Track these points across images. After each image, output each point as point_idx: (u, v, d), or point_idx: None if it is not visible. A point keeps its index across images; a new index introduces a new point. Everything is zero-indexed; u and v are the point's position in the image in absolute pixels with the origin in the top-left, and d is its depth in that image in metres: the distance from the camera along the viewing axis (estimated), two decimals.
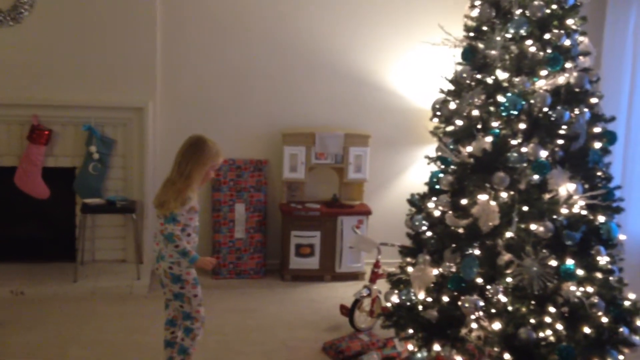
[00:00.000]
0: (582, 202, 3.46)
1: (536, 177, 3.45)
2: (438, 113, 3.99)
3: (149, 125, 5.43)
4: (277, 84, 5.70)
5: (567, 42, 3.59)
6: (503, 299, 3.42)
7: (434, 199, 3.82)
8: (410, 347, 3.79)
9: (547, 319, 3.35)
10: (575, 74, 3.55)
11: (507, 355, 3.36)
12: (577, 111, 3.52)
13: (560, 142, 3.53)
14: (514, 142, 3.56)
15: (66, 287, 5.02)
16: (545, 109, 3.52)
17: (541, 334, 3.35)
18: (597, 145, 3.58)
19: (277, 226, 5.70)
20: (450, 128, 3.87)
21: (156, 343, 3.99)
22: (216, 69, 5.62)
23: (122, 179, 5.54)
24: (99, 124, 5.40)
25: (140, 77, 5.41)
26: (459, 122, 3.78)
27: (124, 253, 5.57)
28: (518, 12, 3.62)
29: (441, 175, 3.79)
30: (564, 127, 3.51)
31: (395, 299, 3.87)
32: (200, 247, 3.80)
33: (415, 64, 5.77)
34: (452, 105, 3.88)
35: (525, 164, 3.48)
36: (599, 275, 3.43)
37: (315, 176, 5.74)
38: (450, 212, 3.66)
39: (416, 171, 5.80)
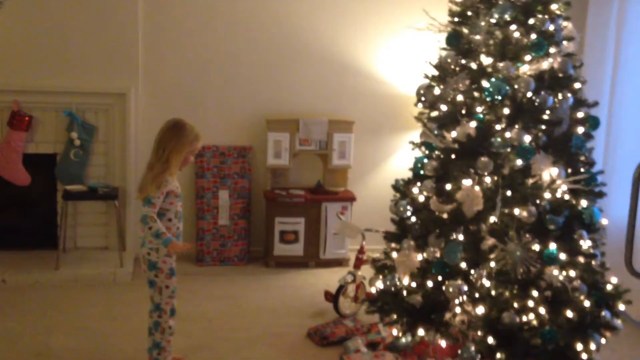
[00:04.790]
0: (565, 187, 3.48)
1: (520, 162, 3.46)
2: (422, 98, 3.99)
3: (131, 112, 5.38)
4: (260, 70, 5.67)
5: (551, 27, 3.60)
6: (487, 283, 3.44)
7: (419, 184, 3.83)
8: (394, 332, 3.80)
9: (530, 303, 3.38)
10: (559, 59, 3.56)
11: (490, 339, 3.39)
12: (560, 96, 3.54)
13: (544, 127, 3.55)
14: (498, 127, 3.57)
15: (48, 275, 4.98)
16: (529, 94, 3.53)
17: (524, 318, 3.37)
18: (580, 130, 3.60)
19: (261, 213, 5.68)
20: (434, 113, 3.88)
21: (140, 330, 3.97)
22: (199, 55, 5.57)
23: (103, 165, 5.49)
24: (80, 110, 5.34)
25: (122, 62, 5.36)
26: (444, 108, 3.78)
27: (107, 240, 5.54)
28: None
29: (425, 160, 3.80)
30: (548, 112, 3.52)
31: (379, 284, 3.88)
32: (184, 234, 3.77)
33: (400, 50, 5.76)
34: (437, 91, 3.88)
35: (509, 149, 3.49)
36: (581, 259, 3.45)
37: (300, 162, 5.73)
38: (435, 197, 3.66)
39: (400, 157, 5.80)
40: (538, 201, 3.43)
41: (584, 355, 3.42)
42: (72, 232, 5.46)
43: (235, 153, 5.58)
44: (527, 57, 3.58)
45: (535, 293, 3.38)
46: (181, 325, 3.81)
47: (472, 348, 3.39)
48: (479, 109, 3.64)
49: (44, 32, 5.20)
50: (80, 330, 4.18)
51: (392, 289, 3.79)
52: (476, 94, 3.67)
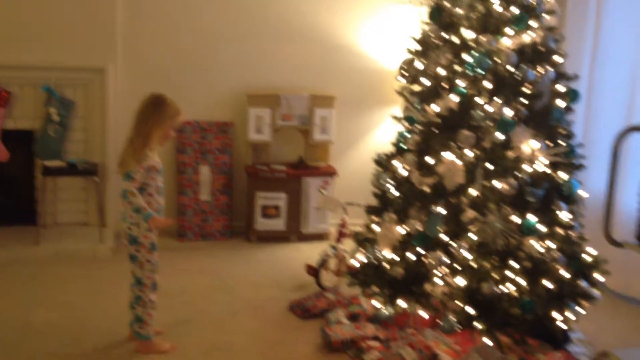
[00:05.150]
0: (544, 160, 3.52)
1: (500, 135, 3.50)
2: (404, 73, 4.01)
3: (110, 87, 5.32)
4: (241, 45, 5.62)
5: (532, 1, 3.62)
6: (467, 255, 3.49)
7: (400, 158, 3.85)
8: (375, 303, 3.85)
9: (510, 274, 3.43)
10: (540, 32, 3.59)
11: (470, 310, 3.44)
12: (541, 70, 3.57)
13: (525, 100, 3.58)
14: (479, 100, 3.59)
15: (28, 251, 4.95)
16: (511, 68, 3.56)
17: (503, 289, 3.43)
18: (560, 103, 3.64)
19: (243, 188, 5.68)
20: (416, 87, 3.90)
21: (121, 304, 3.97)
22: (179, 29, 5.51)
23: (83, 141, 5.44)
24: (59, 85, 5.26)
25: (101, 37, 5.28)
26: (426, 82, 3.80)
27: (87, 216, 5.51)
28: None
29: (407, 134, 3.83)
30: (529, 85, 3.55)
31: (361, 257, 3.92)
32: (165, 209, 3.76)
33: (382, 24, 5.74)
34: (419, 65, 3.90)
35: (490, 123, 3.52)
36: (560, 230, 3.51)
37: (281, 138, 5.72)
38: (416, 170, 3.70)
39: (382, 131, 5.82)
40: (518, 174, 3.47)
41: (562, 325, 3.49)
42: (51, 208, 5.42)
43: (216, 128, 5.56)
44: (509, 31, 3.61)
45: (514, 264, 3.44)
46: (163, 300, 3.82)
47: (452, 318, 3.45)
48: (460, 83, 3.66)
49: (21, 7, 5.11)
50: (61, 305, 4.17)
51: (374, 261, 3.83)
52: (458, 68, 3.69)
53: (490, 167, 3.51)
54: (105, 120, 5.36)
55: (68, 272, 4.71)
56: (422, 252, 3.60)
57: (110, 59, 5.30)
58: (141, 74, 5.45)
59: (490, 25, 3.62)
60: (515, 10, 3.58)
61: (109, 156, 5.36)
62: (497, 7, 3.61)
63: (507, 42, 3.59)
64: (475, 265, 3.48)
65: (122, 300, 3.92)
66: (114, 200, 5.40)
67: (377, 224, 3.89)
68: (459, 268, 3.49)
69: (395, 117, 3.99)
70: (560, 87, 3.65)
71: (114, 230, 5.31)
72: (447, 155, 3.55)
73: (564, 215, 3.51)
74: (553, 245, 3.46)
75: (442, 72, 3.72)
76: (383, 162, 4.00)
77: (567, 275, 3.48)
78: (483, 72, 3.55)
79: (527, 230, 3.38)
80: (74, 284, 4.51)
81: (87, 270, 4.77)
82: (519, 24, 3.57)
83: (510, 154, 3.52)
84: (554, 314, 3.45)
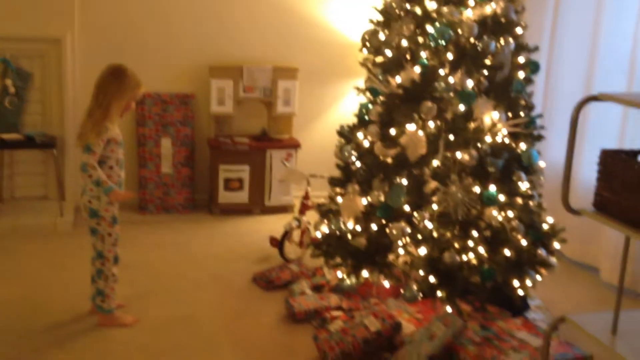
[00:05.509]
0: (505, 131, 3.56)
1: (462, 106, 3.52)
2: (367, 44, 4.00)
3: (68, 58, 5.20)
4: (203, 15, 5.54)
5: None
6: (429, 225, 3.52)
7: (363, 129, 3.85)
8: (339, 274, 3.87)
9: (470, 243, 3.49)
10: (501, 4, 3.60)
11: (432, 278, 3.49)
12: (502, 41, 3.59)
13: (486, 72, 3.60)
14: (441, 72, 3.61)
15: None
16: (472, 39, 3.57)
17: (464, 257, 3.48)
18: (521, 74, 3.67)
19: (206, 161, 5.63)
20: (379, 59, 3.89)
21: (82, 278, 3.93)
22: None
23: (40, 113, 5.32)
24: (14, 57, 5.13)
25: (57, 6, 5.13)
26: (388, 53, 3.79)
27: (46, 190, 5.41)
28: None
29: (370, 106, 3.83)
30: (490, 57, 3.58)
31: (324, 229, 3.93)
32: (126, 183, 3.72)
33: None
34: (382, 36, 3.89)
35: (452, 94, 3.54)
36: (519, 200, 3.57)
37: (244, 110, 5.67)
38: (379, 142, 3.70)
39: (345, 104, 5.82)
40: (479, 145, 3.51)
41: (521, 292, 3.57)
42: (9, 182, 5.31)
43: (177, 100, 5.48)
44: (471, 2, 3.62)
45: (475, 233, 3.49)
46: (125, 273, 3.79)
47: (414, 287, 3.49)
48: (423, 54, 3.67)
49: None
50: (21, 280, 4.11)
51: (337, 233, 3.84)
52: (420, 39, 3.69)
53: (452, 138, 3.54)
54: (63, 92, 5.25)
55: (27, 246, 4.64)
56: (385, 222, 3.62)
57: (67, 29, 5.17)
58: (99, 45, 5.33)
59: None
60: None
61: (67, 129, 5.26)
62: None
63: (469, 13, 3.60)
64: (436, 235, 3.52)
65: (83, 274, 3.88)
66: (73, 173, 5.31)
67: (341, 195, 3.90)
68: (421, 238, 3.53)
69: (358, 89, 3.98)
70: (521, 59, 3.68)
71: (73, 204, 5.23)
72: (410, 127, 3.56)
73: (524, 185, 3.57)
74: (512, 215, 3.52)
75: (404, 43, 3.72)
76: (346, 134, 4.00)
77: (526, 244, 3.54)
78: (445, 44, 3.56)
79: (488, 200, 3.43)
80: (34, 259, 4.44)
81: (47, 244, 4.70)
82: None
83: (472, 125, 3.55)
84: (513, 282, 3.52)
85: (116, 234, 3.56)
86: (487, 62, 3.59)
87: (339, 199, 3.87)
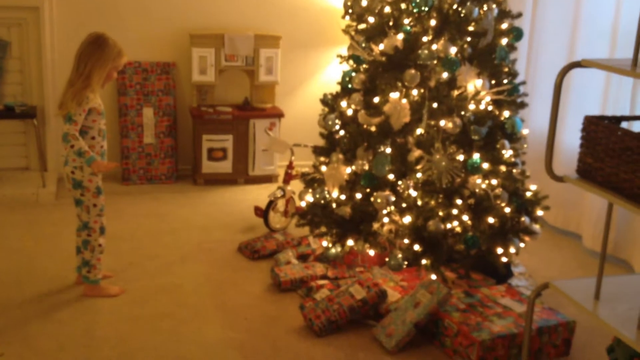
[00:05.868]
0: (488, 98, 3.56)
1: (445, 74, 3.50)
2: (350, 11, 3.96)
3: (46, 26, 5.11)
4: None
5: None
6: (413, 193, 3.53)
7: (347, 98, 3.83)
8: (324, 243, 3.88)
9: (455, 211, 3.50)
10: None
11: (416, 247, 3.50)
12: (485, 7, 3.57)
13: (469, 38, 3.58)
14: (424, 39, 3.58)
15: None
16: (455, 6, 3.54)
17: (449, 225, 3.50)
18: (504, 41, 3.65)
19: (188, 130, 5.59)
20: (362, 26, 3.85)
21: (67, 250, 3.93)
22: None
23: (19, 83, 5.24)
24: None
25: None
26: (371, 20, 3.75)
27: (27, 160, 5.35)
28: None
29: (353, 74, 3.80)
30: (473, 23, 3.55)
31: (309, 198, 3.93)
32: (109, 153, 3.68)
33: None
34: (364, 3, 3.84)
35: (435, 61, 3.52)
36: (503, 168, 3.58)
37: (226, 79, 5.62)
38: (363, 110, 3.68)
39: (329, 72, 5.77)
40: (463, 112, 3.50)
41: (504, 259, 3.60)
42: None
43: (159, 69, 5.41)
44: None
45: (459, 201, 3.50)
46: (110, 244, 3.77)
47: (399, 255, 3.51)
48: (406, 21, 3.64)
49: None
50: (5, 251, 4.08)
51: (322, 202, 3.84)
52: (403, 6, 3.65)
53: (436, 106, 3.53)
54: (43, 61, 5.17)
55: (9, 218, 4.60)
56: (370, 191, 3.62)
57: None
58: (78, 12, 5.23)
59: None
60: None
61: (47, 98, 5.20)
62: None
63: None
64: (421, 204, 3.53)
65: (67, 244, 3.87)
66: (55, 143, 5.26)
67: (325, 164, 3.89)
68: (406, 206, 3.53)
69: (341, 57, 3.95)
70: (504, 25, 3.66)
71: (56, 175, 5.19)
72: (393, 95, 3.54)
73: (507, 153, 3.58)
74: (496, 182, 3.53)
75: (387, 9, 3.68)
76: (329, 102, 3.97)
77: (509, 211, 3.56)
78: (428, 10, 3.53)
79: (472, 168, 3.44)
80: (17, 230, 4.41)
81: (29, 215, 4.66)
82: None
83: (455, 92, 3.54)
84: (497, 249, 3.55)
85: (101, 204, 3.54)
86: (471, 28, 3.57)
87: (323, 168, 3.86)
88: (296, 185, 4.43)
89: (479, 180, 3.49)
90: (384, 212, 3.55)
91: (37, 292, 3.62)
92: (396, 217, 3.56)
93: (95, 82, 3.40)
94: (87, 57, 3.39)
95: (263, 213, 4.50)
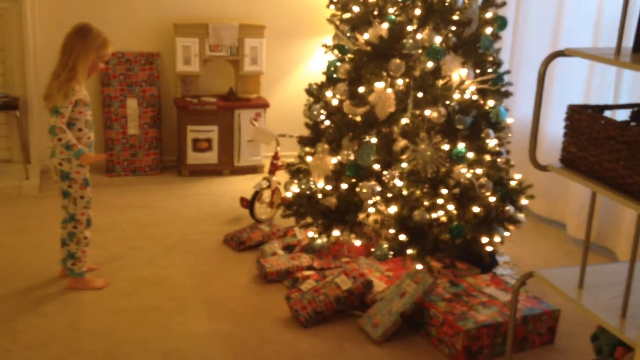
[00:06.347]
0: (473, 88, 3.56)
1: (430, 63, 3.50)
2: (335, 0, 3.94)
3: (28, 16, 5.05)
4: None
5: None
6: (399, 183, 3.53)
7: (332, 88, 3.82)
8: (310, 234, 3.88)
9: (440, 201, 3.51)
10: None
11: (402, 236, 3.51)
12: None
13: (454, 28, 3.58)
14: (409, 28, 3.58)
15: None
16: None
17: (434, 215, 3.50)
18: (489, 30, 3.66)
19: (173, 121, 5.56)
20: (347, 15, 3.83)
21: (50, 242, 3.89)
22: None
23: (1, 74, 5.18)
24: None
25: None
26: (356, 9, 3.74)
27: (9, 152, 5.30)
28: None
29: (338, 63, 3.79)
30: (458, 12, 3.55)
31: (295, 188, 3.92)
32: (95, 145, 3.65)
33: None
34: None
35: (420, 51, 3.52)
36: (487, 157, 3.59)
37: (210, 69, 5.59)
38: (348, 100, 3.68)
39: (313, 62, 5.76)
40: (448, 102, 3.50)
41: (489, 248, 3.61)
42: None
43: (142, 60, 5.37)
44: None
45: (444, 191, 3.51)
46: (95, 236, 3.74)
47: (385, 245, 3.52)
48: (391, 10, 3.63)
49: None
50: None
51: (307, 192, 3.84)
52: None
53: (421, 95, 3.53)
54: (25, 52, 5.11)
55: None
56: (355, 181, 3.62)
57: None
58: (60, 2, 5.18)
59: None
60: None
61: (29, 89, 5.15)
62: None
63: None
64: (406, 193, 3.54)
65: (51, 237, 3.84)
66: (37, 135, 5.22)
67: (310, 155, 3.88)
68: (391, 196, 3.54)
69: (326, 46, 3.93)
70: (489, 14, 3.66)
71: (39, 167, 5.14)
72: (378, 85, 3.54)
73: (492, 142, 3.59)
74: (481, 172, 3.54)
75: None
76: (314, 92, 3.96)
77: (494, 200, 3.58)
78: None
79: (457, 158, 3.44)
80: (0, 223, 4.37)
81: (13, 208, 4.62)
82: None
83: (440, 82, 3.54)
84: (482, 239, 3.56)
85: (88, 196, 3.51)
86: (455, 17, 3.56)
87: (309, 159, 3.85)
88: (282, 176, 4.42)
89: (464, 170, 3.49)
90: (370, 202, 3.55)
91: (22, 285, 3.59)
92: (382, 207, 3.57)
93: (80, 73, 3.37)
94: (71, 47, 3.35)
95: (249, 204, 4.49)
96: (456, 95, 3.51)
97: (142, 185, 5.21)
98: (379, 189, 3.53)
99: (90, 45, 3.38)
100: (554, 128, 4.47)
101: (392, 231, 3.53)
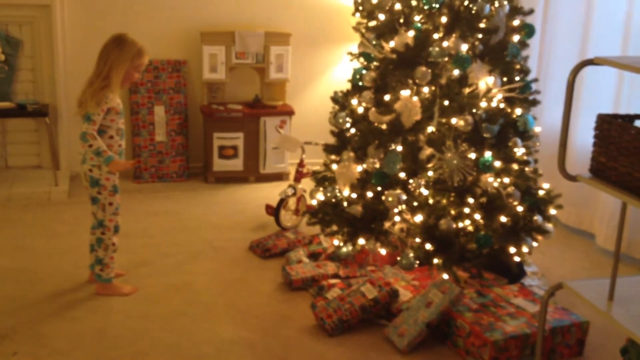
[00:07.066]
0: (500, 96, 3.53)
1: (457, 71, 3.48)
2: (360, 8, 3.94)
3: (57, 24, 5.13)
4: None
5: None
6: (425, 192, 3.52)
7: (357, 95, 3.82)
8: (335, 242, 3.87)
9: (466, 210, 3.48)
10: None
11: (428, 246, 3.49)
12: (496, 4, 3.54)
13: (480, 35, 3.56)
14: (435, 36, 3.56)
15: None
16: (466, 2, 3.52)
17: (460, 224, 3.48)
18: (516, 38, 3.63)
19: (199, 128, 5.60)
20: (372, 23, 3.83)
21: (79, 247, 3.94)
22: None
23: (31, 81, 5.27)
24: (3, 24, 5.07)
25: None
26: (382, 17, 3.74)
27: (39, 159, 5.38)
28: None
29: (364, 71, 3.78)
30: (484, 20, 3.53)
31: (320, 196, 3.92)
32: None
33: None
34: (374, 0, 3.83)
35: (446, 59, 3.50)
36: (515, 166, 3.55)
37: (236, 76, 5.62)
38: (373, 108, 3.67)
39: (339, 69, 5.76)
40: (474, 110, 3.48)
41: (517, 258, 3.58)
42: (2, 151, 5.29)
43: (170, 67, 5.42)
44: None
45: (471, 200, 3.48)
46: (122, 242, 3.78)
47: (411, 254, 3.50)
48: (417, 18, 3.62)
49: None
50: (18, 249, 4.10)
51: (333, 200, 3.83)
52: (414, 2, 3.64)
53: (447, 103, 3.51)
54: (54, 59, 5.19)
55: (22, 216, 4.62)
56: (381, 190, 3.61)
57: None
58: (89, 10, 5.25)
59: None
60: None
61: (59, 96, 5.22)
62: None
63: None
64: (432, 202, 3.51)
65: (80, 243, 3.88)
66: (67, 142, 5.29)
67: (336, 162, 3.88)
68: (417, 205, 3.52)
69: (352, 54, 3.93)
70: (516, 22, 3.64)
71: (68, 173, 5.21)
72: (404, 92, 3.53)
73: (519, 151, 3.55)
74: (508, 181, 3.51)
75: (398, 6, 3.67)
76: (340, 100, 3.96)
77: (522, 210, 3.54)
78: (439, 7, 3.51)
79: (483, 167, 3.41)
80: (30, 228, 4.43)
81: (42, 214, 4.68)
82: None
83: (467, 90, 3.52)
84: (510, 248, 3.53)
85: (117, 203, 3.55)
86: (482, 25, 3.54)
87: (334, 167, 3.85)
88: (307, 184, 4.42)
89: (491, 179, 3.46)
90: (395, 210, 3.54)
91: (50, 290, 3.63)
92: (407, 216, 3.55)
93: (114, 82, 3.40)
94: (107, 56, 3.40)
95: (274, 211, 4.50)
96: (483, 104, 3.49)
97: (169, 192, 5.26)
98: (404, 197, 3.51)
99: (124, 55, 3.41)
100: (583, 137, 4.42)
101: (418, 240, 3.51)
